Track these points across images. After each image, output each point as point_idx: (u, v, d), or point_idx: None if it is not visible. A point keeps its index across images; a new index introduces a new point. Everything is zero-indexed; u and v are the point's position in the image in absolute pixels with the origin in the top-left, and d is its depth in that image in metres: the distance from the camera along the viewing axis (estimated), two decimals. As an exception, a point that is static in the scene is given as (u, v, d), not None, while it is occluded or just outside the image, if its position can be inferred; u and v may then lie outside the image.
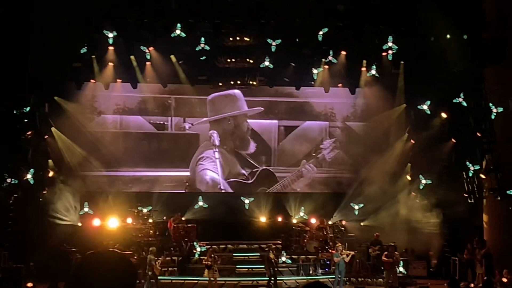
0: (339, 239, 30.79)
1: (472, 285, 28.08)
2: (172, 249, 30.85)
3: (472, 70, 30.47)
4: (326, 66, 32.36)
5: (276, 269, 28.66)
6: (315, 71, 32.53)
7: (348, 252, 28.35)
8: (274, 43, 30.51)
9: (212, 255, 27.79)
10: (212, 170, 33.62)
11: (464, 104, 31.15)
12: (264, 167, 34.33)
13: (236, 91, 33.55)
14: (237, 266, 29.90)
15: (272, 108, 34.74)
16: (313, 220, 32.64)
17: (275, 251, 29.13)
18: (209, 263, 27.53)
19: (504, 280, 26.92)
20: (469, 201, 31.47)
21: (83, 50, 30.43)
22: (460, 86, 31.08)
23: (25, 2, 28.81)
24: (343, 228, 32.13)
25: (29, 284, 26.18)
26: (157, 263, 27.28)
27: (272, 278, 28.15)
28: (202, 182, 33.83)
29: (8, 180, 29.30)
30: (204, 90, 33.72)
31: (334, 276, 28.29)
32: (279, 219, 33.17)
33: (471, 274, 29.37)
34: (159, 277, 27.51)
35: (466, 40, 30.02)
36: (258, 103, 34.50)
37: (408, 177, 33.11)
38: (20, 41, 28.87)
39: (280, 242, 31.56)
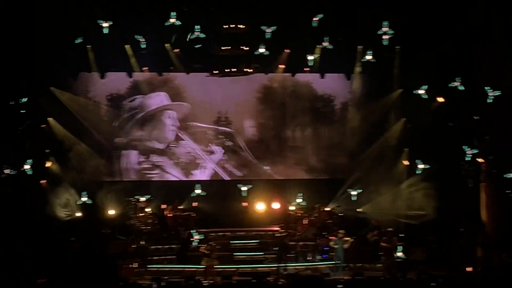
0: (337, 225, 30.80)
1: (471, 268, 28.06)
2: (170, 237, 30.87)
3: (464, 52, 30.42)
4: (321, 52, 32.31)
5: (288, 255, 28.83)
6: (310, 57, 32.47)
7: (347, 238, 28.38)
8: (268, 30, 30.48)
9: (210, 243, 27.85)
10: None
11: (461, 88, 31.12)
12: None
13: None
14: (235, 254, 29.89)
15: (270, 94, 34.77)
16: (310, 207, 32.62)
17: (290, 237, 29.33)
18: (207, 251, 27.59)
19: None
20: (469, 185, 31.50)
21: (78, 40, 30.42)
22: (456, 70, 31.03)
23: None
24: (341, 214, 32.10)
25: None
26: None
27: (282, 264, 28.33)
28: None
29: (6, 171, 29.32)
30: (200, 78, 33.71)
31: (333, 263, 28.36)
32: (277, 205, 33.14)
33: (470, 257, 29.36)
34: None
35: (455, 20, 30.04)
36: (254, 90, 34.54)
37: (406, 162, 33.09)
38: (14, 32, 28.85)
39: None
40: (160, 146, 34.26)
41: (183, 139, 34.27)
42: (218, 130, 34.63)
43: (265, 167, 34.77)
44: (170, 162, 34.27)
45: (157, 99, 34.22)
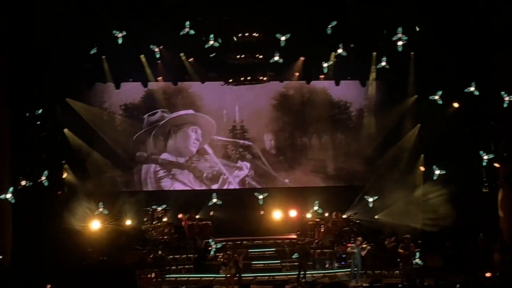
0: (355, 232, 30.74)
1: (489, 274, 27.93)
2: (187, 246, 30.88)
3: (480, 57, 30.33)
4: (336, 59, 32.32)
5: (310, 262, 28.81)
6: (325, 64, 32.49)
7: (364, 245, 28.32)
8: (283, 38, 30.52)
9: (228, 252, 27.83)
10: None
11: (476, 93, 31.03)
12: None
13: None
14: (253, 262, 29.85)
15: (285, 102, 34.79)
16: (327, 214, 32.56)
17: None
18: (224, 260, 27.58)
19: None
20: (483, 190, 31.36)
21: (93, 51, 30.53)
22: (471, 75, 30.93)
23: (37, 4, 28.90)
24: (358, 221, 32.04)
25: (48, 286, 26.20)
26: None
27: (302, 272, 28.29)
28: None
29: (23, 183, 29.39)
30: (214, 87, 33.76)
31: (351, 270, 28.30)
32: (294, 213, 33.14)
33: (488, 263, 29.24)
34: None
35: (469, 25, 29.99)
36: (269, 98, 34.58)
37: (422, 168, 33.02)
38: (30, 43, 28.98)
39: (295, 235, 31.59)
40: (181, 160, 34.34)
41: (207, 153, 34.38)
42: (238, 143, 34.68)
43: (285, 180, 34.79)
44: (191, 176, 34.30)
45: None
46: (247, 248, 30.55)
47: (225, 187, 34.48)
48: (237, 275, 27.53)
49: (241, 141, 34.67)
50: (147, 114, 34.07)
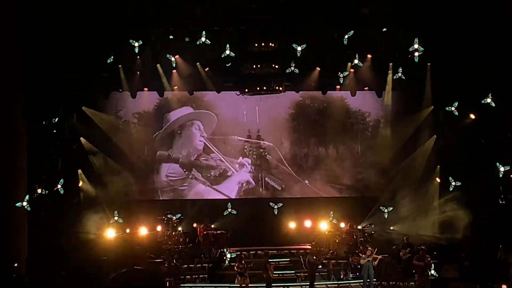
0: (369, 243, 30.63)
1: (505, 287, 27.80)
2: (202, 256, 30.86)
3: (499, 68, 30.23)
4: (352, 70, 32.35)
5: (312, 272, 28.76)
6: (341, 75, 32.49)
7: (376, 256, 28.21)
8: (299, 48, 30.54)
9: (243, 262, 27.80)
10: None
11: (493, 104, 30.93)
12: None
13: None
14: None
15: (302, 111, 34.80)
16: (342, 225, 32.49)
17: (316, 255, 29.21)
18: (240, 270, 27.55)
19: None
20: (500, 202, 31.22)
21: (110, 60, 30.64)
22: (488, 86, 30.83)
23: (52, 13, 29.04)
24: (373, 232, 31.94)
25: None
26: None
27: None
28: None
29: (39, 191, 29.49)
30: (229, 96, 33.81)
31: (365, 281, 28.20)
32: (309, 223, 33.09)
33: (504, 275, 29.09)
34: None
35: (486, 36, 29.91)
36: (286, 107, 34.60)
37: (438, 179, 32.92)
38: (46, 52, 29.10)
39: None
40: (190, 158, 34.36)
41: (213, 152, 34.35)
42: (252, 144, 34.67)
43: (305, 181, 34.75)
44: (199, 175, 34.32)
45: (182, 112, 34.44)
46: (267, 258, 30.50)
47: (234, 190, 34.46)
48: (266, 284, 27.58)
49: (254, 141, 34.62)
50: (157, 118, 34.19)
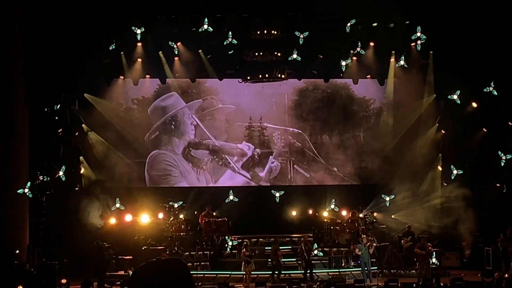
0: (371, 231, 30.68)
1: (506, 275, 27.82)
2: (204, 243, 30.91)
3: (501, 57, 30.19)
4: (355, 58, 32.31)
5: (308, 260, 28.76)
6: (343, 62, 32.45)
7: (370, 243, 28.22)
8: (302, 36, 30.50)
9: (248, 250, 27.89)
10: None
11: (495, 93, 30.94)
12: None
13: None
14: (269, 260, 29.81)
15: (304, 99, 34.76)
16: (344, 213, 32.54)
17: (308, 244, 29.19)
18: (248, 258, 27.67)
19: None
20: (502, 190, 31.27)
21: (112, 47, 30.61)
22: (490, 75, 30.82)
23: (55, 1, 29.01)
24: (374, 220, 31.98)
25: (63, 281, 26.34)
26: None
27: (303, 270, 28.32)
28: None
29: (41, 178, 29.51)
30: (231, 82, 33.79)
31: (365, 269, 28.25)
32: (310, 211, 33.12)
33: (505, 264, 29.13)
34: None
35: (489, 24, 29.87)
36: (288, 95, 34.59)
37: (440, 168, 32.95)
38: (49, 39, 29.06)
39: (311, 235, 31.46)
40: (184, 146, 34.40)
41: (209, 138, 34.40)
42: (255, 129, 34.70)
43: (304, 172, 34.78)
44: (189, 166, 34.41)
45: (171, 101, 34.36)
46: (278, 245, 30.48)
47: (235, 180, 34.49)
48: (276, 272, 27.60)
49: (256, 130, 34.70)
50: (154, 106, 34.17)
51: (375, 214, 32.39)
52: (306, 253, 28.53)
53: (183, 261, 6.93)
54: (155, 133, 34.08)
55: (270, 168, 34.49)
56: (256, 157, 34.43)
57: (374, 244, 28.41)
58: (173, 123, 34.20)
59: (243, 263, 27.82)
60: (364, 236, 28.72)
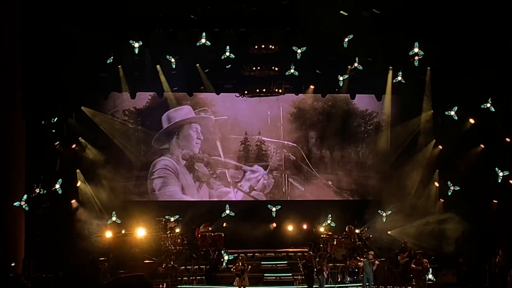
0: (367, 247, 30.61)
1: (502, 291, 27.81)
2: (200, 257, 30.82)
3: (499, 74, 30.23)
4: (352, 73, 32.30)
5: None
6: (340, 78, 32.46)
7: (375, 260, 28.19)
8: (299, 51, 30.53)
9: (244, 264, 27.75)
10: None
11: (492, 109, 30.96)
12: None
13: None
14: (265, 274, 29.74)
15: (301, 114, 34.78)
16: (340, 228, 32.45)
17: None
18: (238, 272, 27.50)
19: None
20: (500, 207, 31.25)
21: (109, 60, 30.61)
22: (488, 91, 30.84)
23: (52, 13, 29.02)
24: (370, 236, 31.91)
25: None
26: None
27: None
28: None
29: (37, 190, 29.46)
30: (230, 98, 33.74)
31: (362, 284, 28.16)
32: (305, 226, 33.08)
33: (502, 280, 29.04)
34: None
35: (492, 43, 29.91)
36: (285, 110, 34.58)
37: (436, 184, 32.92)
38: (47, 52, 29.09)
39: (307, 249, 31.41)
40: (186, 161, 34.35)
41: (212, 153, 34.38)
42: (252, 145, 34.71)
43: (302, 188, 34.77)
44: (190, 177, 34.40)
45: (182, 112, 34.35)
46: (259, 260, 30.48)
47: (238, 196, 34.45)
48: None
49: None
50: (155, 118, 34.16)
51: (371, 229, 32.25)
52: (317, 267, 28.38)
53: (145, 277, 6.89)
54: (159, 140, 34.05)
55: (263, 184, 34.50)
56: (252, 174, 34.45)
57: (377, 262, 28.35)
58: (177, 133, 34.20)
59: (236, 278, 27.64)
60: (372, 252, 28.63)
